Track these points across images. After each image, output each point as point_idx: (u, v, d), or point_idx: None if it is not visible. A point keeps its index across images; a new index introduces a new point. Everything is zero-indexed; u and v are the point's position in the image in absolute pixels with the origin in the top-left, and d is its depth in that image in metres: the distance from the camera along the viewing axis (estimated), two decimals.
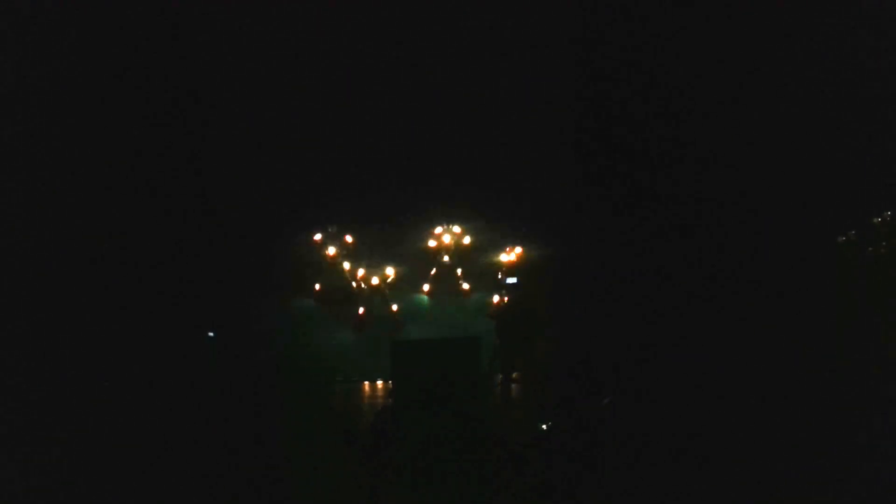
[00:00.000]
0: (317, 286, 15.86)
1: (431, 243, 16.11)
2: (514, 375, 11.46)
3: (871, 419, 9.16)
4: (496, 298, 14.32)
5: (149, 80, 16.47)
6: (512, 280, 13.40)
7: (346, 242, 16.01)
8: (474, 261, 16.33)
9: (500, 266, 15.33)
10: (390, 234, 16.09)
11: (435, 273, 16.09)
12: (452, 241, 16.12)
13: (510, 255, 15.23)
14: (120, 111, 16.06)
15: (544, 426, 9.16)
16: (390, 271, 15.60)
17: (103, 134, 15.77)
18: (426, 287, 16.17)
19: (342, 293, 15.83)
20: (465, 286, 16.06)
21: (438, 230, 16.20)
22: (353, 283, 15.25)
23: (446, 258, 16.03)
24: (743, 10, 15.28)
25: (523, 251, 15.29)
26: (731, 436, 9.10)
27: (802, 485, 8.16)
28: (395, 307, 15.26)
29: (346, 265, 15.88)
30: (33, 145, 14.54)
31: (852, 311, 12.19)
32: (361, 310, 15.13)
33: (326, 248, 15.94)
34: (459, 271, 16.09)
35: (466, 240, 16.19)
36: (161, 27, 16.23)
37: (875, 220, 12.64)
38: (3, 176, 13.87)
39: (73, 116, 15.24)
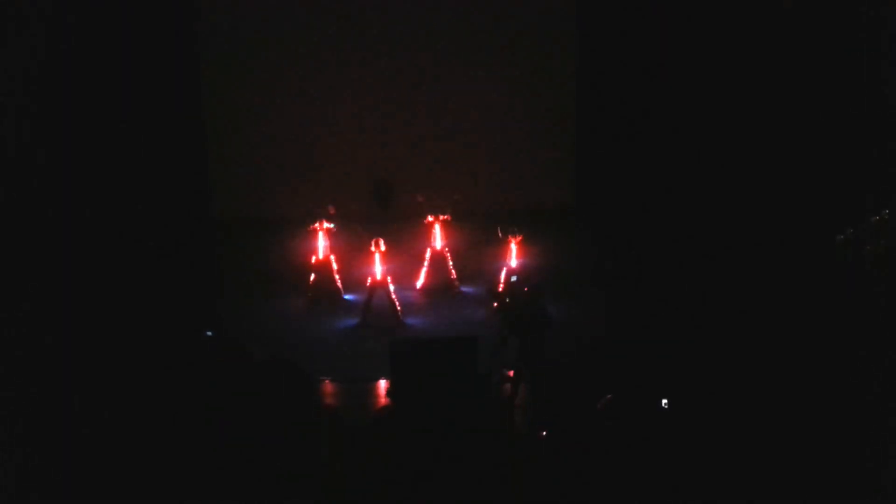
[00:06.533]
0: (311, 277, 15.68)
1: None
2: (514, 373, 11.44)
3: (871, 418, 9.18)
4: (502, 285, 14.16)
5: (149, 79, 16.41)
6: (513, 277, 13.38)
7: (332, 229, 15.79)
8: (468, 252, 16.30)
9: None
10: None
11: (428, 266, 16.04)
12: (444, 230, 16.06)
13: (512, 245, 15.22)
14: (120, 110, 16.01)
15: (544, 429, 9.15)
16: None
17: (104, 133, 15.72)
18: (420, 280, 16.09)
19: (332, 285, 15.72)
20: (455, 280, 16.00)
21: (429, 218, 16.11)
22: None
23: (438, 247, 15.98)
24: (744, 8, 15.28)
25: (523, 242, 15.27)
26: (728, 435, 9.10)
27: (801, 484, 8.17)
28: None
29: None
30: (39, 143, 14.49)
31: (850, 309, 12.23)
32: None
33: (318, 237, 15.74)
34: (451, 263, 16.03)
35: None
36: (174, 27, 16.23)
37: (874, 218, 12.66)
38: (2, 176, 13.83)
39: (75, 115, 15.20)
